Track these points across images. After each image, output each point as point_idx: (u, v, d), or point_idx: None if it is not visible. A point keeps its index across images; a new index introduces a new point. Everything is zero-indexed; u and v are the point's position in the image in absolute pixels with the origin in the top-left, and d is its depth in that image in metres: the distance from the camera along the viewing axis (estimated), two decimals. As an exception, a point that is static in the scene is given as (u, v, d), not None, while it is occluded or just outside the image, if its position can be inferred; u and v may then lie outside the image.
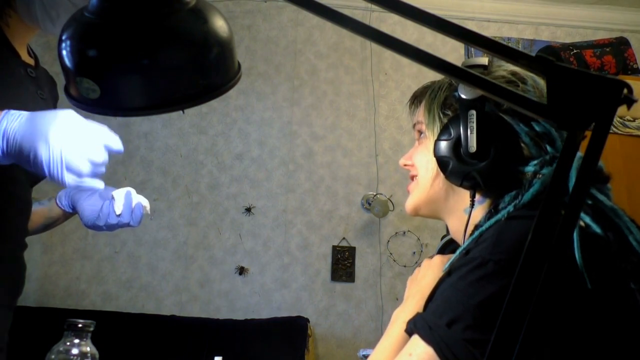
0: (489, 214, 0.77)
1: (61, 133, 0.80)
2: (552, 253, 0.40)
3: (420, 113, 0.91)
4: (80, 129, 0.83)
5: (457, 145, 0.78)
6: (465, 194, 0.83)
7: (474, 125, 0.75)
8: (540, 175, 0.74)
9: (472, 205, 0.81)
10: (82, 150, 0.81)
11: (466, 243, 0.76)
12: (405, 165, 0.95)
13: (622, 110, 0.39)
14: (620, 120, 1.97)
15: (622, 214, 0.69)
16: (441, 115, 0.86)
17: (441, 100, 0.87)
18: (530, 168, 0.76)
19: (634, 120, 1.97)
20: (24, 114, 0.82)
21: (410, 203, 0.92)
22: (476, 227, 0.77)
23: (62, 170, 0.80)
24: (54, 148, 0.79)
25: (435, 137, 0.83)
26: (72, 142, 0.80)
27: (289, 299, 2.98)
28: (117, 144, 0.88)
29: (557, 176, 0.41)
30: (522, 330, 0.41)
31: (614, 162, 1.90)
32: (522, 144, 0.78)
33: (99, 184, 0.87)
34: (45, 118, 0.80)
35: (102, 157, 0.85)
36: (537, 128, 0.78)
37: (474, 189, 0.80)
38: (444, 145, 0.80)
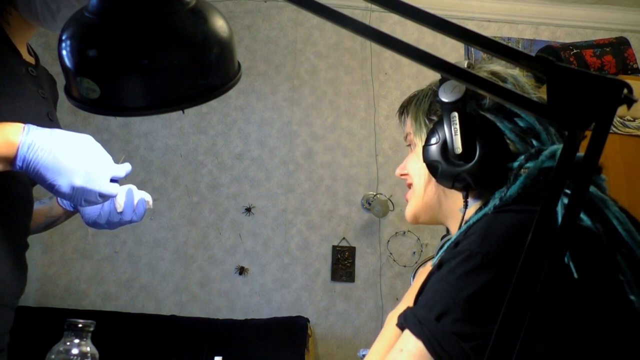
0: (478, 209, 0.77)
1: (82, 170, 0.89)
2: (552, 251, 0.40)
3: (408, 123, 0.93)
4: (99, 157, 0.93)
5: (444, 148, 0.79)
6: (458, 196, 0.84)
7: (457, 126, 0.76)
8: (526, 170, 0.75)
9: (466, 206, 0.82)
10: (102, 181, 0.92)
11: (454, 236, 0.77)
12: (401, 175, 0.96)
13: (622, 110, 0.39)
14: (620, 120, 1.97)
15: (612, 204, 0.69)
16: (427, 122, 0.88)
17: (426, 108, 0.89)
18: (517, 163, 0.76)
19: (634, 120, 1.97)
20: (45, 139, 0.88)
21: (409, 212, 0.94)
22: (466, 221, 0.78)
23: (80, 202, 0.93)
24: (76, 189, 0.89)
25: (423, 143, 0.84)
26: (92, 179, 0.91)
27: (289, 299, 2.98)
28: (124, 170, 0.98)
29: (557, 176, 0.41)
30: (521, 324, 0.41)
31: (614, 162, 1.90)
32: (508, 141, 0.78)
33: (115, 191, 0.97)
34: (68, 153, 0.88)
35: (124, 172, 0.98)
36: (520, 124, 0.79)
37: (466, 189, 0.81)
38: (431, 149, 0.81)
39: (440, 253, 0.78)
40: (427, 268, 0.89)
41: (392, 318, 0.84)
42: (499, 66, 0.86)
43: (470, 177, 0.77)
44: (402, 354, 0.67)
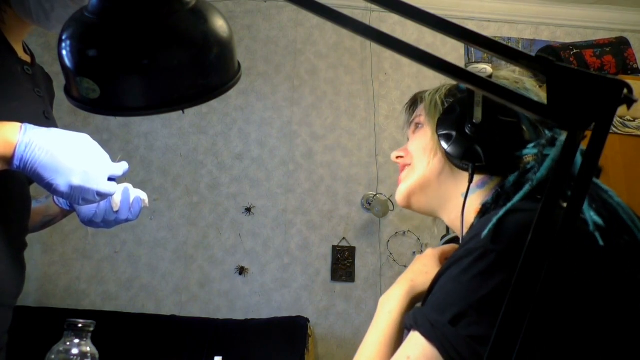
0: (497, 195, 0.75)
1: (80, 169, 0.89)
2: (553, 250, 0.40)
3: (421, 107, 0.93)
4: (96, 156, 0.93)
5: (461, 119, 0.79)
6: (461, 178, 0.82)
7: (480, 98, 0.76)
8: (541, 155, 0.73)
9: (471, 180, 0.79)
10: (99, 179, 0.92)
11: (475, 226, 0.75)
12: (398, 157, 0.95)
13: (622, 110, 0.39)
14: (620, 120, 1.97)
15: (615, 194, 0.69)
16: (444, 102, 0.88)
17: (444, 93, 0.89)
18: (528, 151, 0.76)
19: (634, 120, 1.97)
20: (43, 138, 0.88)
21: (402, 190, 0.91)
22: (484, 206, 0.76)
23: (78, 201, 0.93)
24: (74, 188, 0.89)
25: (436, 120, 0.84)
26: (90, 177, 0.91)
27: (289, 299, 2.98)
28: (121, 169, 0.99)
29: (558, 176, 0.41)
30: (524, 326, 0.41)
31: (614, 162, 1.90)
32: (524, 127, 0.79)
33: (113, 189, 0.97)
34: (65, 152, 0.88)
35: (121, 171, 0.98)
36: None
37: (473, 162, 0.79)
38: (448, 119, 0.81)
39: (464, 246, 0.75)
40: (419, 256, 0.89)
41: (384, 303, 0.82)
42: (525, 77, 0.86)
43: (482, 151, 0.76)
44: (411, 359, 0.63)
